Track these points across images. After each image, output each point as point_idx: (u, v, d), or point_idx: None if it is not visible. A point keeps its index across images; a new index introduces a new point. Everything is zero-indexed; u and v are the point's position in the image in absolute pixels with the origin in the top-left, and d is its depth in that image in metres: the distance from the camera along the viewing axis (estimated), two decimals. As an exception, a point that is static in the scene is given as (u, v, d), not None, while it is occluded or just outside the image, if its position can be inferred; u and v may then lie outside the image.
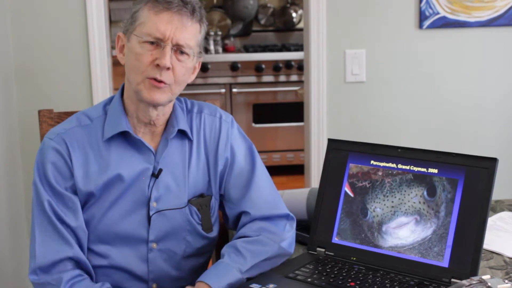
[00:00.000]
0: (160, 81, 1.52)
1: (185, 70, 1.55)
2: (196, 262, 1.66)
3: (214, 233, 1.67)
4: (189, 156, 1.63)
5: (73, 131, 1.59)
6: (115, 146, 1.59)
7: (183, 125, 1.62)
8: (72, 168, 1.56)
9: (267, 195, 1.66)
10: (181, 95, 1.69)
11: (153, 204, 1.59)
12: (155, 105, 1.56)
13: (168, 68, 1.52)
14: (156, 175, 1.59)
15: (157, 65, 1.51)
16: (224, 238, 1.89)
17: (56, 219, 1.54)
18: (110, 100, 1.65)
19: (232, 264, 1.52)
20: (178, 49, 1.53)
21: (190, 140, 1.64)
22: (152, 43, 1.52)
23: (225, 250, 1.59)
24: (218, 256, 1.66)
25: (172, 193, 1.60)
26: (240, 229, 1.64)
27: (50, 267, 1.52)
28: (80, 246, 1.56)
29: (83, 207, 1.57)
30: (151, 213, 1.58)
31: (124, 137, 1.59)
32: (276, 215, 1.65)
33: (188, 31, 1.53)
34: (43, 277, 1.52)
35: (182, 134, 1.63)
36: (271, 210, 1.65)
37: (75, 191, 1.56)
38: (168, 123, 1.63)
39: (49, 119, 1.85)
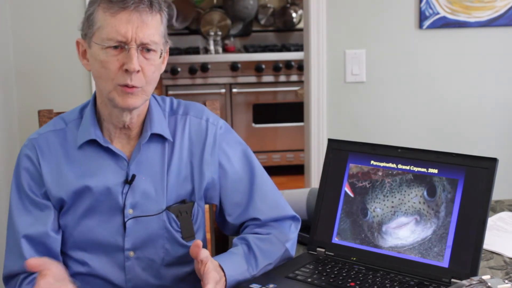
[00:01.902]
0: (132, 86, 1.46)
1: (154, 67, 1.49)
2: (178, 271, 1.60)
3: None
4: (169, 160, 1.57)
5: (45, 136, 1.57)
6: (89, 152, 1.55)
7: (158, 128, 1.56)
8: (42, 174, 1.54)
9: (272, 198, 1.64)
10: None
11: (129, 211, 1.54)
12: (130, 110, 1.51)
13: (138, 71, 1.45)
14: (129, 181, 1.54)
15: (126, 70, 1.45)
16: (224, 244, 1.88)
17: (18, 230, 1.53)
18: (89, 103, 1.60)
19: (245, 263, 1.51)
20: (144, 48, 1.46)
21: (171, 143, 1.58)
22: (115, 47, 1.45)
23: (238, 241, 1.57)
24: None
25: (150, 199, 1.55)
26: (246, 228, 1.63)
27: (8, 279, 1.56)
28: (48, 251, 1.53)
29: (59, 212, 1.56)
30: (125, 220, 1.54)
31: (98, 143, 1.55)
32: (282, 217, 1.64)
33: (150, 27, 1.46)
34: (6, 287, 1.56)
35: (160, 137, 1.57)
36: (278, 213, 1.63)
37: (48, 197, 1.54)
38: (143, 127, 1.57)
39: (49, 119, 1.84)
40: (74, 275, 1.55)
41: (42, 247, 1.53)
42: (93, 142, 1.55)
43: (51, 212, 1.54)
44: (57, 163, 1.55)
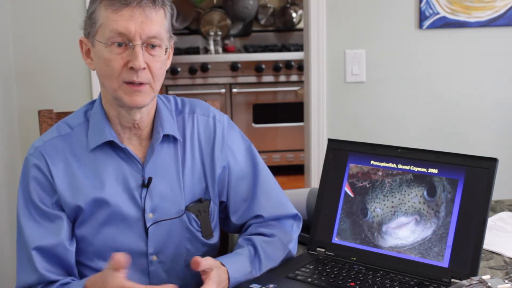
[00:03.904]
0: (140, 83, 1.43)
1: (160, 64, 1.46)
2: None
3: (215, 239, 1.62)
4: (183, 160, 1.56)
5: (51, 142, 1.51)
6: (101, 156, 1.51)
7: (169, 128, 1.54)
8: (54, 183, 1.48)
9: (274, 196, 1.64)
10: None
11: (149, 215, 1.52)
12: (139, 108, 1.48)
13: (144, 68, 1.43)
14: (146, 185, 1.52)
15: (131, 68, 1.42)
16: (225, 242, 1.87)
17: (29, 244, 1.47)
18: (91, 104, 1.57)
19: (250, 265, 1.50)
20: (149, 44, 1.43)
21: (182, 143, 1.57)
22: (119, 44, 1.42)
23: (244, 242, 1.56)
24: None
25: (168, 201, 1.54)
26: (249, 227, 1.62)
27: None
28: (62, 263, 1.50)
29: (74, 222, 1.51)
30: (147, 224, 1.52)
31: (110, 145, 1.51)
32: (285, 216, 1.64)
33: (154, 22, 1.43)
34: None
35: (171, 138, 1.56)
36: (280, 211, 1.63)
37: (61, 207, 1.50)
38: (154, 128, 1.54)
39: (49, 119, 1.84)
40: None
41: (55, 260, 1.49)
42: (104, 146, 1.51)
43: (63, 222, 1.49)
44: (70, 170, 1.50)
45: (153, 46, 1.45)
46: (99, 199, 1.49)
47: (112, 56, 1.43)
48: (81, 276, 1.54)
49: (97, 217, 1.50)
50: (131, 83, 1.43)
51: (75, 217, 1.51)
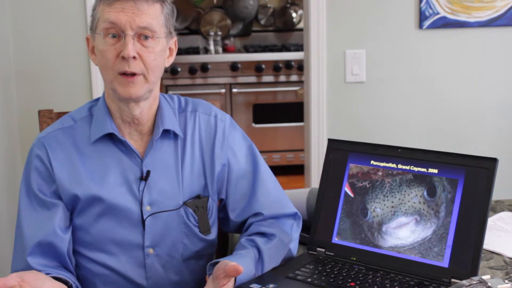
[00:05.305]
0: (132, 74, 1.47)
1: (154, 55, 1.49)
2: (196, 264, 1.62)
3: (212, 235, 1.63)
4: (182, 157, 1.59)
5: (54, 133, 1.56)
6: (102, 149, 1.55)
7: (169, 124, 1.57)
8: (53, 172, 1.53)
9: (274, 195, 1.65)
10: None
11: (147, 208, 1.54)
12: (135, 100, 1.51)
13: (135, 58, 1.46)
14: (144, 178, 1.55)
15: (123, 57, 1.46)
16: (224, 240, 1.88)
17: (26, 234, 1.51)
18: (96, 101, 1.61)
19: (254, 268, 1.50)
20: (141, 35, 1.47)
21: (182, 140, 1.60)
22: (113, 36, 1.47)
23: (247, 243, 1.56)
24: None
25: (166, 196, 1.56)
26: (250, 225, 1.62)
27: None
28: (55, 252, 1.51)
29: (72, 212, 1.54)
30: (144, 217, 1.54)
31: (111, 139, 1.55)
32: (285, 215, 1.65)
33: (146, 14, 1.47)
34: None
35: (172, 134, 1.59)
36: (280, 210, 1.64)
37: (59, 196, 1.53)
38: (155, 123, 1.58)
39: (49, 119, 1.84)
40: (93, 275, 1.56)
41: (48, 249, 1.51)
42: (106, 139, 1.55)
43: (58, 209, 1.52)
44: (70, 160, 1.54)
45: (146, 37, 1.48)
46: (97, 196, 1.52)
47: (106, 47, 1.48)
48: (80, 267, 1.57)
49: (94, 208, 1.53)
50: (124, 74, 1.47)
51: (73, 206, 1.54)
